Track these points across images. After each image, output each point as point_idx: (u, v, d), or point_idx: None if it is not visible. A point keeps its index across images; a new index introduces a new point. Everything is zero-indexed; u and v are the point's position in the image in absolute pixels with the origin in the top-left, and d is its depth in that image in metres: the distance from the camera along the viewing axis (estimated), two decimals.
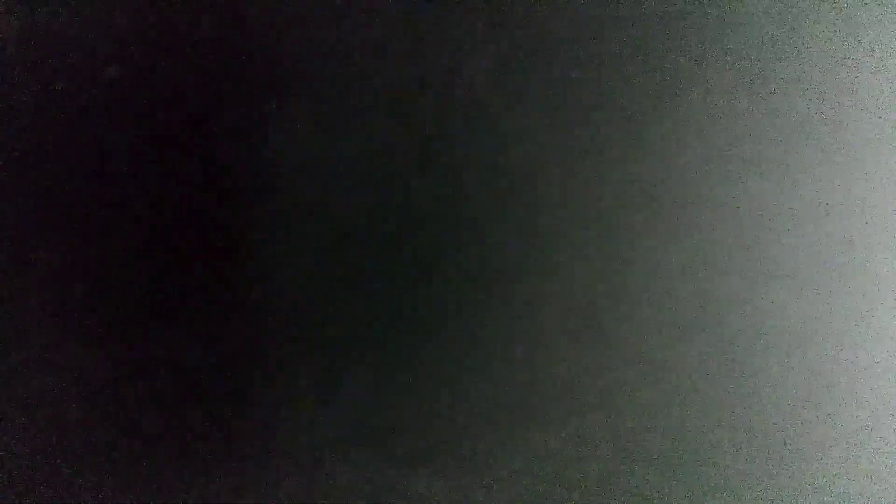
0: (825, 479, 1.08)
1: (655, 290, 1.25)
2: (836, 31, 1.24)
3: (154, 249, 1.34)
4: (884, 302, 1.18)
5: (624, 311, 1.24)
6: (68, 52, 1.37)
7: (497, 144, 1.33)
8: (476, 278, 1.31)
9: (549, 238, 1.32)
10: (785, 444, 1.11)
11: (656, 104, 1.32)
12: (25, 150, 1.24)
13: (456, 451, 1.13)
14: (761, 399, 1.15)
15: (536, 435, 1.13)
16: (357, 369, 1.22)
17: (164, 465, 1.13)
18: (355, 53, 1.34)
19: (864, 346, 1.17)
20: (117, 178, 1.38)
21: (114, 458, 1.17)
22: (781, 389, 1.16)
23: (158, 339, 1.25)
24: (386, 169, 1.35)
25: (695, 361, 1.19)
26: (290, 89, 1.44)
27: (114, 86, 1.40)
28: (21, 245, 1.23)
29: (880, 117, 1.25)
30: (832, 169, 1.28)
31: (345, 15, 1.37)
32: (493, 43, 1.32)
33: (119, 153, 1.36)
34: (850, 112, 1.27)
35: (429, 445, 1.14)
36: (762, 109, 1.27)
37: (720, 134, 1.30)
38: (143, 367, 1.19)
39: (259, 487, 1.12)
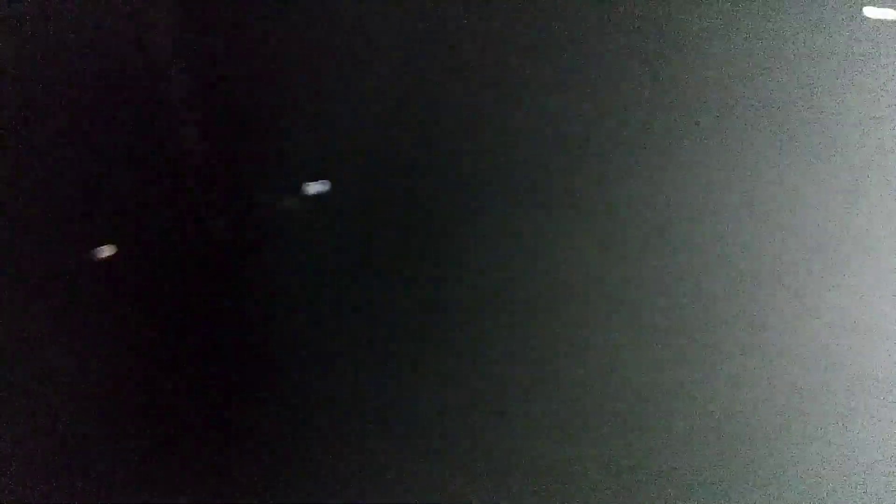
0: (824, 482, 1.08)
1: (653, 291, 1.26)
2: (837, 30, 1.24)
3: (154, 247, 1.35)
4: (883, 301, 1.18)
5: (622, 313, 1.24)
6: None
7: (496, 145, 1.33)
8: (477, 279, 1.31)
9: (547, 237, 1.32)
10: (784, 446, 1.12)
11: (656, 104, 1.32)
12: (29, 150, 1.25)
13: (456, 452, 1.13)
14: (760, 402, 1.16)
15: (538, 435, 1.13)
16: (365, 367, 1.23)
17: (171, 464, 1.13)
18: (356, 52, 1.34)
19: (864, 347, 1.17)
20: (115, 177, 1.38)
21: (114, 458, 1.18)
22: (780, 391, 1.16)
23: (159, 339, 1.25)
24: (388, 169, 1.36)
25: (693, 362, 1.19)
26: (292, 87, 1.44)
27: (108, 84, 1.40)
28: (21, 244, 1.23)
29: (881, 117, 1.25)
30: (832, 168, 1.28)
31: (346, 14, 1.38)
32: (493, 42, 1.32)
33: (116, 150, 1.37)
34: (851, 111, 1.27)
35: (429, 446, 1.14)
36: (762, 108, 1.27)
37: (720, 133, 1.30)
38: (143, 367, 1.19)
39: (265, 486, 1.13)
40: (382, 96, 1.38)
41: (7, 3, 1.21)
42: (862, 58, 1.25)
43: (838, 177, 1.29)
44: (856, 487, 1.09)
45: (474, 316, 1.26)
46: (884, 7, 1.26)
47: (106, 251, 1.32)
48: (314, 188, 1.29)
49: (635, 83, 1.36)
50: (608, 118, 1.39)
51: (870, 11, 1.26)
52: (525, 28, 1.36)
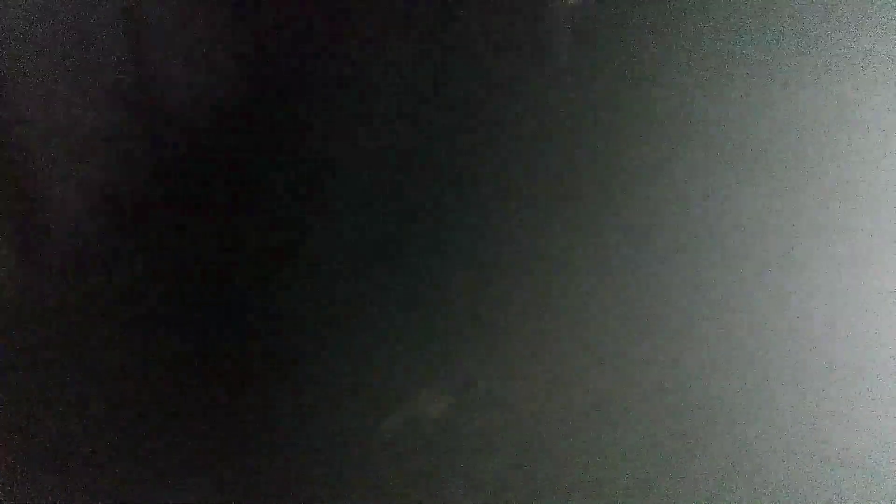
0: (827, 476, 1.09)
1: (654, 287, 1.26)
2: (836, 28, 1.24)
3: (157, 243, 1.35)
4: (885, 298, 1.18)
5: (623, 310, 1.24)
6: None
7: (498, 144, 1.33)
8: (478, 279, 1.31)
9: (547, 235, 1.32)
10: (790, 440, 1.12)
11: (658, 104, 1.32)
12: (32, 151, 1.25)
13: (458, 451, 1.14)
14: (764, 396, 1.16)
15: (537, 436, 1.14)
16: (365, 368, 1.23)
17: (169, 464, 1.14)
18: (363, 55, 1.34)
19: (865, 344, 1.17)
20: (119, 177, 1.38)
21: (116, 457, 1.18)
22: (784, 386, 1.17)
23: (160, 338, 1.26)
24: (395, 170, 1.36)
25: (694, 357, 1.19)
26: (301, 89, 1.44)
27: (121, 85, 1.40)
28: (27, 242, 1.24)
29: (880, 115, 1.24)
30: (833, 165, 1.27)
31: (351, 17, 1.38)
32: (494, 43, 1.32)
33: (121, 151, 1.37)
34: (850, 108, 1.27)
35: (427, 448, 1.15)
36: (761, 107, 1.27)
37: (720, 131, 1.30)
38: (144, 365, 1.20)
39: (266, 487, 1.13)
40: (384, 95, 1.38)
41: None
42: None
43: (842, 172, 1.29)
44: (856, 483, 1.09)
45: (475, 316, 1.26)
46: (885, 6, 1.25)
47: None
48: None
49: (637, 81, 1.36)
50: (608, 114, 1.39)
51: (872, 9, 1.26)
52: (526, 30, 1.36)
